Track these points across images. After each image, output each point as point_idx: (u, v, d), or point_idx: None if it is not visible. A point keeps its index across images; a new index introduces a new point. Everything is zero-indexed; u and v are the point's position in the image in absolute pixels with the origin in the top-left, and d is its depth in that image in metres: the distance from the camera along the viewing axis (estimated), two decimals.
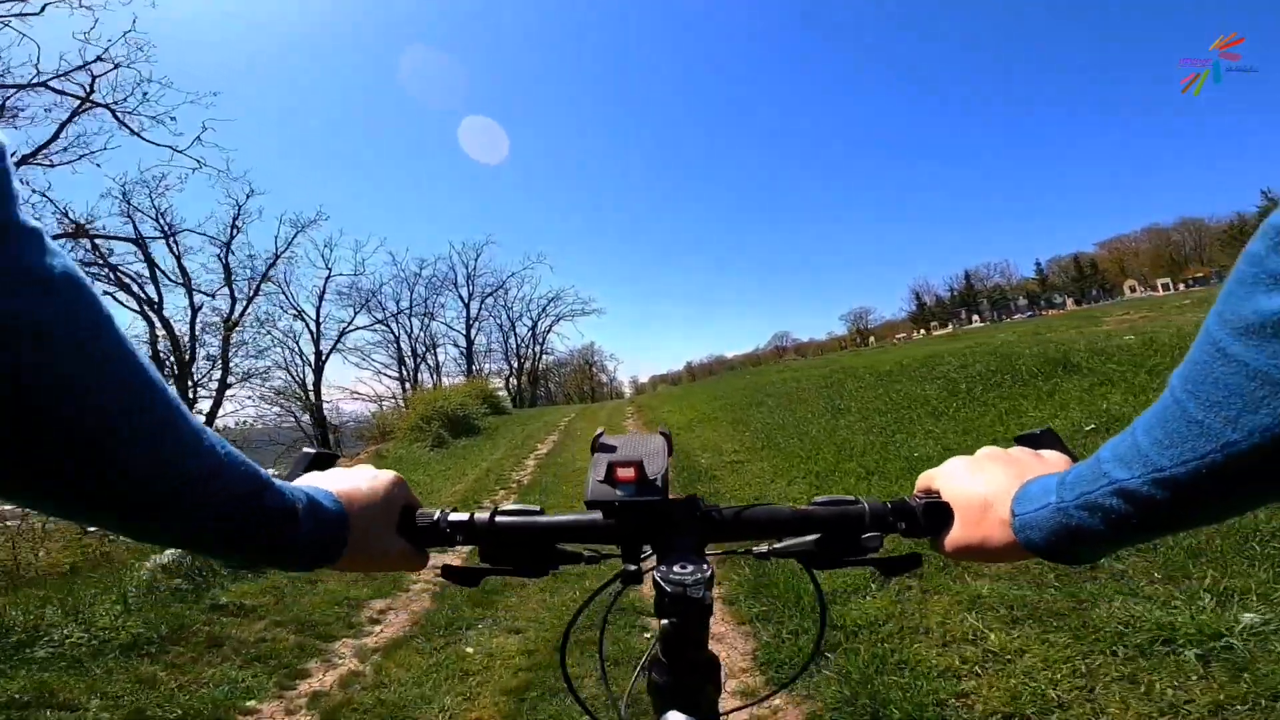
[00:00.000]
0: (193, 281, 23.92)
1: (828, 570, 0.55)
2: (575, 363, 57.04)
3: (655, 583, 0.49)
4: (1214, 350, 0.32)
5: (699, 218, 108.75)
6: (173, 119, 16.13)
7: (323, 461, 0.57)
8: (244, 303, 25.81)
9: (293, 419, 29.65)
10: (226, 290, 25.38)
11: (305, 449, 0.58)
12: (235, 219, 25.59)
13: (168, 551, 5.28)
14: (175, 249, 23.24)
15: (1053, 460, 0.51)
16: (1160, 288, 35.05)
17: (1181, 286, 33.33)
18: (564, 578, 3.94)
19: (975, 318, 45.32)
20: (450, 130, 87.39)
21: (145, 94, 15.42)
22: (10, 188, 0.29)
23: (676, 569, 0.49)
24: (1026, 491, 0.46)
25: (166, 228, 22.86)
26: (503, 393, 45.39)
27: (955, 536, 0.51)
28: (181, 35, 40.78)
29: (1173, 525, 0.38)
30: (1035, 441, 0.55)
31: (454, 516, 0.56)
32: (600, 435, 0.59)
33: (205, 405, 22.84)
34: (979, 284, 61.40)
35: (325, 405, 31.41)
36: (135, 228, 22.73)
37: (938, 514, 0.53)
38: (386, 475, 0.54)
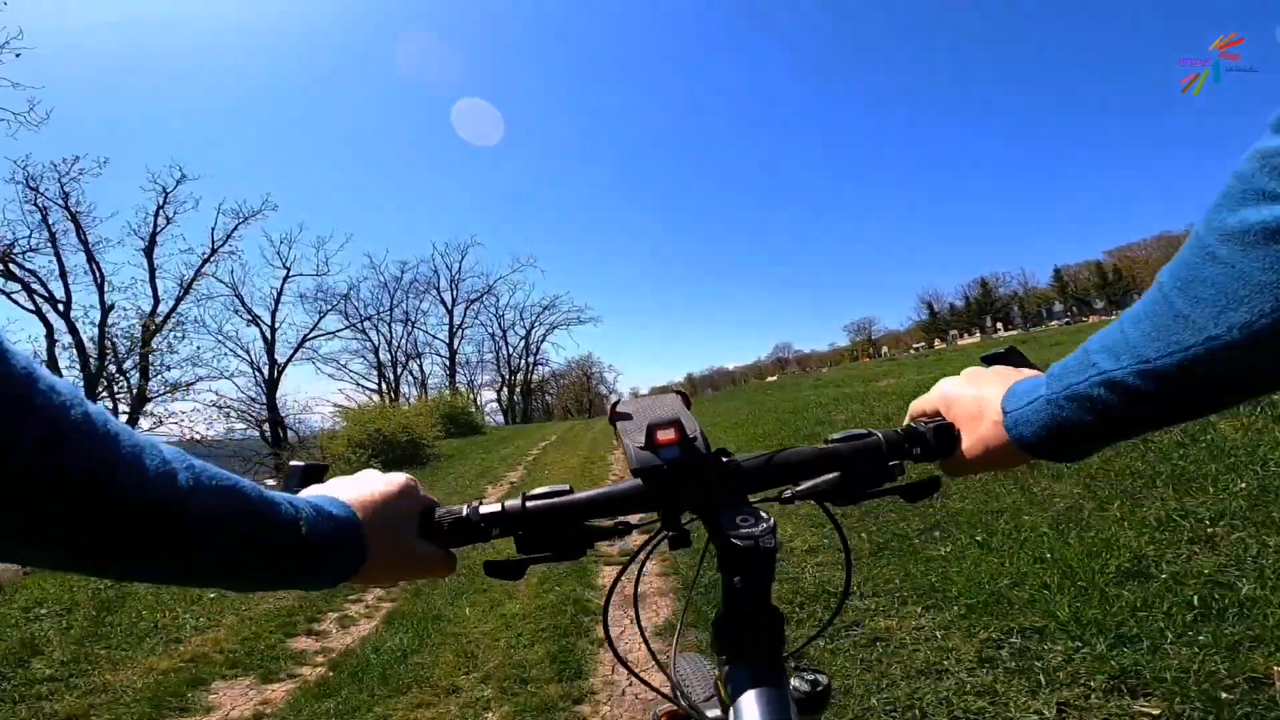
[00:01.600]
0: (106, 278, 20.39)
1: (849, 505, 0.56)
2: (573, 374, 53.68)
3: (721, 542, 0.48)
4: (1203, 253, 0.35)
5: (697, 226, 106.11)
6: None
7: (316, 474, 0.55)
8: (170, 303, 22.19)
9: (257, 433, 26.17)
10: (149, 289, 21.86)
11: (293, 462, 0.55)
12: (160, 208, 22.03)
13: None
14: (82, 235, 19.67)
15: (1027, 373, 0.53)
16: None
17: None
18: None
19: (999, 325, 42.01)
20: (439, 128, 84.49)
21: None
22: None
23: (741, 524, 0.48)
24: (1014, 390, 0.49)
25: (73, 216, 19.42)
26: (493, 404, 42.13)
27: (959, 450, 0.54)
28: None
29: (1157, 418, 0.40)
30: (1002, 359, 0.58)
31: (485, 509, 0.54)
32: (618, 403, 0.60)
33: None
34: (994, 292, 58.29)
35: (282, 419, 27.67)
36: (45, 219, 19.49)
37: (947, 435, 0.55)
38: (399, 477, 0.53)
